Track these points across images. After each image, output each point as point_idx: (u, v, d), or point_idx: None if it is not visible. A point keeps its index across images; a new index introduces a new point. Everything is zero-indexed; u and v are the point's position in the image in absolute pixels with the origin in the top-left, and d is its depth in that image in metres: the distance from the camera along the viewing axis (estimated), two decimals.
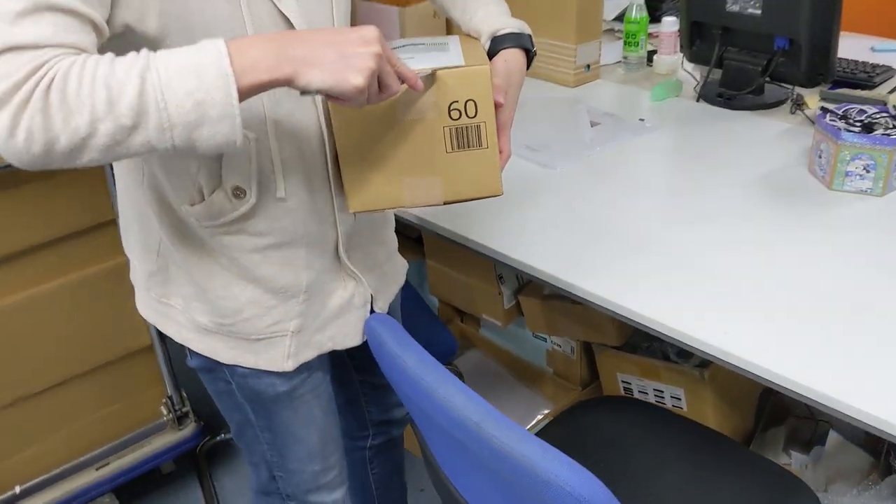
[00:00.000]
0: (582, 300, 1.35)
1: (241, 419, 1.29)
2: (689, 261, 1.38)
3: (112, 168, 1.55)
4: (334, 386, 1.37)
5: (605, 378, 1.91)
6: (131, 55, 0.84)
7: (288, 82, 0.88)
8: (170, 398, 1.95)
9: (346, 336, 1.24)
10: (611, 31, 2.51)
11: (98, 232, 1.73)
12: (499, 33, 1.17)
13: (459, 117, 1.07)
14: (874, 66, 2.09)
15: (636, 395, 1.86)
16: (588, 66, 2.18)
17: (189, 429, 1.99)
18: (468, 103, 1.06)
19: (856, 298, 1.27)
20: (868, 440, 1.85)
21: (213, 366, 1.21)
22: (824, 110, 1.64)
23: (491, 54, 1.16)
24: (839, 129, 1.56)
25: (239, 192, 1.04)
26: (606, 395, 1.91)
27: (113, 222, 1.74)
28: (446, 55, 1.10)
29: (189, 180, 1.04)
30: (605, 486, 0.89)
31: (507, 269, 1.99)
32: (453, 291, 2.08)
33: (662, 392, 1.80)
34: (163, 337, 1.90)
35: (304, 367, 1.22)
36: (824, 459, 1.80)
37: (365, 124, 1.04)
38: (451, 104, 1.06)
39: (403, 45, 1.15)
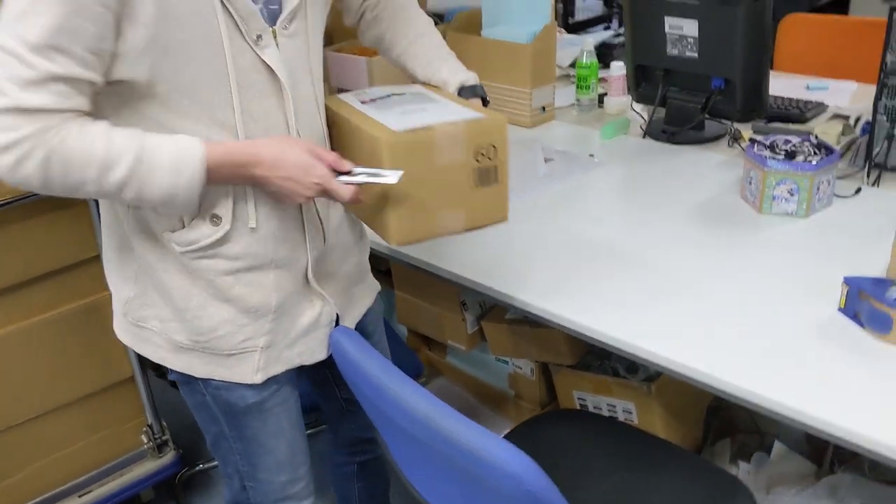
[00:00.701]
0: (538, 318, 1.48)
1: (216, 431, 1.39)
2: (636, 282, 1.51)
3: (97, 203, 1.69)
4: (320, 403, 1.47)
5: (561, 396, 2.02)
6: (127, 134, 1.05)
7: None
8: (150, 427, 2.04)
9: (314, 352, 1.35)
10: (566, 76, 2.68)
11: (82, 267, 1.84)
12: (465, 84, 1.39)
13: (483, 160, 1.25)
14: (807, 103, 2.25)
15: (591, 410, 1.97)
16: (543, 108, 2.34)
17: (168, 456, 2.07)
18: (490, 148, 1.25)
19: (792, 314, 1.40)
20: (811, 450, 1.97)
21: (189, 379, 1.32)
22: (753, 141, 1.79)
23: None
24: (765, 157, 1.71)
25: (216, 220, 1.17)
26: (560, 409, 2.02)
27: (97, 258, 1.85)
28: (447, 107, 1.29)
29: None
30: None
31: (470, 296, 2.11)
32: (420, 319, 2.20)
33: (615, 406, 1.91)
34: (144, 368, 2.00)
35: (273, 382, 1.33)
36: (768, 466, 1.91)
37: (409, 171, 1.18)
38: (478, 149, 1.24)
39: (388, 96, 1.33)
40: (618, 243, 1.65)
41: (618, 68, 2.35)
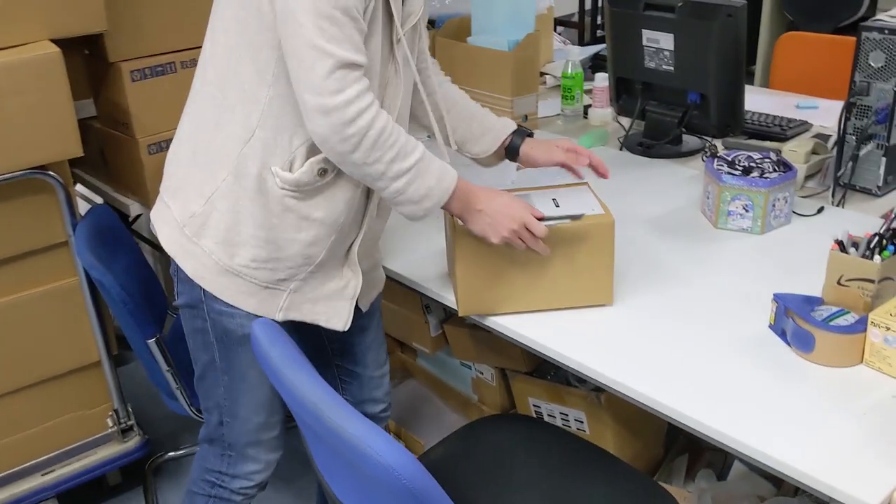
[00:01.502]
0: (488, 328, 1.50)
1: (207, 360, 1.48)
2: None
3: (66, 191, 1.75)
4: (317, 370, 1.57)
5: (518, 402, 2.02)
6: (411, 142, 1.30)
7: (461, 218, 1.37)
8: (115, 411, 2.08)
9: (331, 318, 1.46)
10: (558, 86, 2.68)
11: (50, 252, 1.89)
12: (517, 127, 1.62)
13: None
14: (790, 121, 2.23)
15: (545, 418, 1.97)
16: (526, 116, 2.35)
17: (133, 441, 2.11)
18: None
19: (725, 329, 1.39)
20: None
21: (196, 303, 1.41)
22: (713, 156, 1.78)
23: (514, 146, 1.59)
24: (722, 172, 1.70)
25: (322, 172, 1.32)
26: (505, 413, 2.02)
27: (65, 244, 1.90)
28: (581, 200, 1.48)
29: (290, 152, 1.30)
30: (481, 491, 1.00)
31: (433, 300, 2.12)
32: (387, 320, 2.21)
33: (567, 415, 1.91)
34: (111, 353, 2.04)
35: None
36: (724, 486, 1.89)
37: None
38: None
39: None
40: None
41: (602, 79, 2.35)
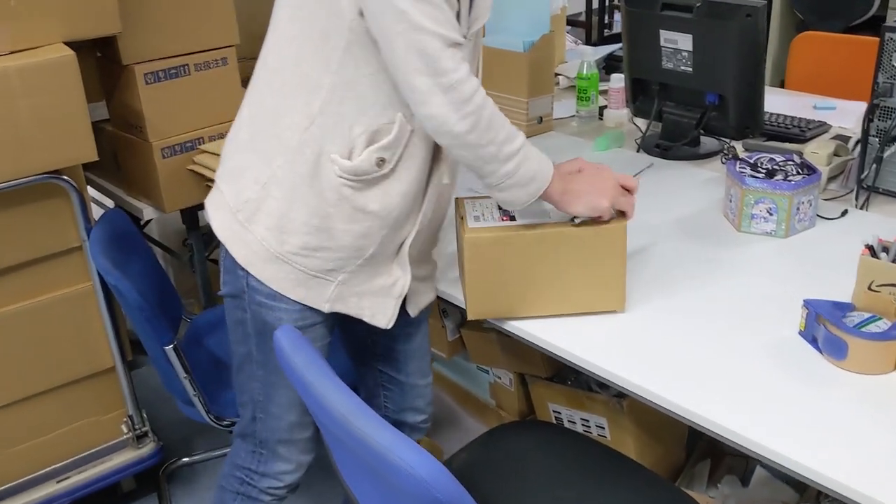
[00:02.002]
0: (509, 332, 1.48)
1: (244, 353, 1.48)
2: None
3: (81, 196, 1.73)
4: (357, 373, 1.60)
5: (538, 408, 2.00)
6: (512, 125, 1.29)
7: (560, 206, 1.36)
8: (130, 417, 2.06)
9: (376, 314, 1.44)
10: (573, 87, 2.66)
11: (65, 257, 1.87)
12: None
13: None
14: (808, 122, 2.21)
15: (566, 424, 1.95)
16: (541, 118, 2.33)
17: (148, 448, 2.10)
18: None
19: (754, 335, 1.37)
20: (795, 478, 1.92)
21: (239, 293, 1.41)
22: (735, 158, 1.76)
23: None
24: (745, 174, 1.68)
25: (381, 162, 1.31)
26: (527, 420, 2.00)
27: (79, 248, 1.88)
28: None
29: (349, 140, 1.30)
30: (506, 499, 0.98)
31: (450, 303, 2.11)
32: None
33: (588, 421, 1.89)
34: (125, 359, 2.03)
35: (311, 318, 1.42)
36: (747, 492, 1.87)
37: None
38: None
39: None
40: None
41: (617, 80, 2.33)
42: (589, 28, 5.95)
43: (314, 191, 1.32)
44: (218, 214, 1.41)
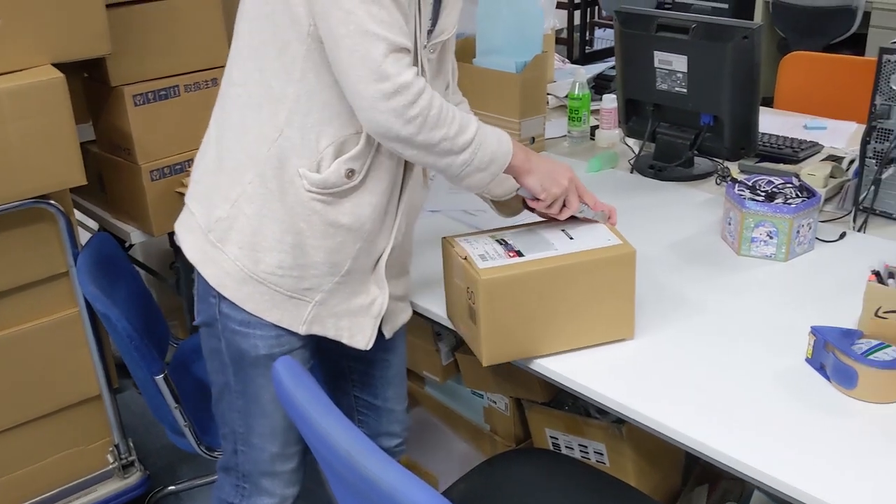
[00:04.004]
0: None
1: (222, 383, 1.44)
2: None
3: (68, 220, 1.69)
4: (332, 397, 1.49)
5: (535, 434, 1.97)
6: (464, 114, 1.28)
7: (516, 176, 1.37)
8: (116, 447, 2.01)
9: (355, 335, 1.41)
10: (562, 107, 2.65)
11: (51, 283, 1.83)
12: None
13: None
14: (801, 143, 2.20)
15: (563, 450, 1.92)
16: (533, 139, 2.31)
17: (134, 477, 2.05)
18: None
19: (758, 362, 1.35)
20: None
21: (212, 321, 1.38)
22: (734, 181, 1.74)
23: None
24: (744, 198, 1.67)
25: (350, 173, 1.29)
26: (526, 447, 1.97)
27: (65, 274, 1.83)
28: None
29: (317, 152, 1.28)
30: None
31: (444, 327, 2.08)
32: None
33: (587, 447, 1.86)
34: (111, 386, 1.98)
35: (288, 344, 1.38)
36: None
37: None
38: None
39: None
40: None
41: (610, 101, 2.32)
42: (571, 45, 5.97)
43: (285, 206, 1.30)
44: (189, 237, 1.38)
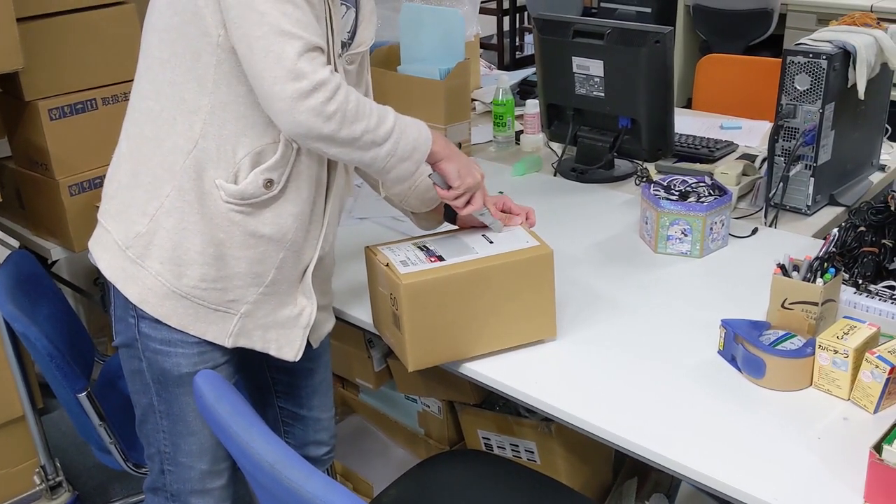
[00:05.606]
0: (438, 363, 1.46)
1: (146, 404, 1.42)
2: None
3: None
4: (256, 410, 1.48)
5: (467, 435, 2.00)
6: (379, 105, 1.27)
7: (436, 162, 1.36)
8: (43, 468, 1.97)
9: (283, 347, 1.41)
10: (489, 112, 2.68)
11: None
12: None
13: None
14: (717, 142, 2.28)
15: (495, 450, 1.95)
16: (459, 144, 2.33)
17: (63, 498, 2.01)
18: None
19: (675, 356, 1.40)
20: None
21: (132, 342, 1.36)
22: (649, 180, 1.80)
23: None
24: (659, 197, 1.72)
25: (269, 184, 1.29)
26: (457, 448, 2.00)
27: None
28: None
29: (234, 163, 1.27)
30: None
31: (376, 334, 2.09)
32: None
33: (518, 446, 1.89)
34: (35, 407, 1.94)
35: (212, 359, 1.37)
36: None
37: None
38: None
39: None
40: None
41: (533, 106, 2.36)
42: (501, 51, 6.03)
43: (204, 218, 1.29)
44: (105, 255, 1.35)
